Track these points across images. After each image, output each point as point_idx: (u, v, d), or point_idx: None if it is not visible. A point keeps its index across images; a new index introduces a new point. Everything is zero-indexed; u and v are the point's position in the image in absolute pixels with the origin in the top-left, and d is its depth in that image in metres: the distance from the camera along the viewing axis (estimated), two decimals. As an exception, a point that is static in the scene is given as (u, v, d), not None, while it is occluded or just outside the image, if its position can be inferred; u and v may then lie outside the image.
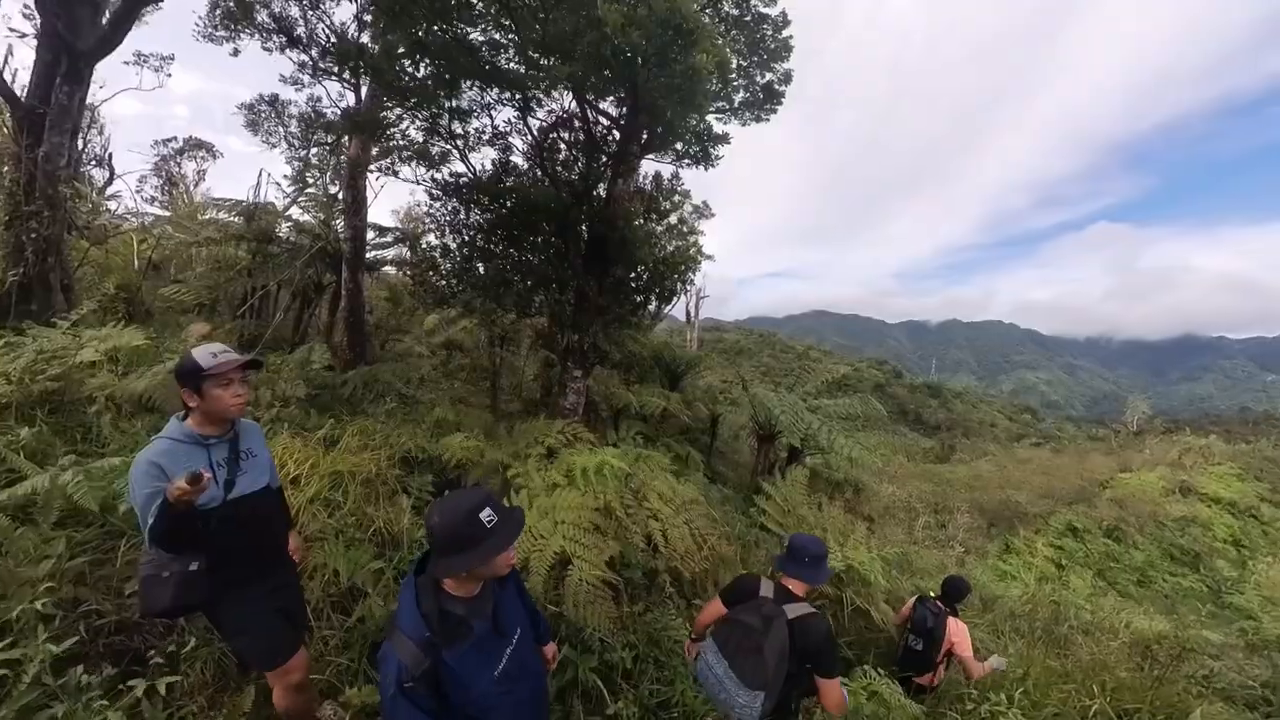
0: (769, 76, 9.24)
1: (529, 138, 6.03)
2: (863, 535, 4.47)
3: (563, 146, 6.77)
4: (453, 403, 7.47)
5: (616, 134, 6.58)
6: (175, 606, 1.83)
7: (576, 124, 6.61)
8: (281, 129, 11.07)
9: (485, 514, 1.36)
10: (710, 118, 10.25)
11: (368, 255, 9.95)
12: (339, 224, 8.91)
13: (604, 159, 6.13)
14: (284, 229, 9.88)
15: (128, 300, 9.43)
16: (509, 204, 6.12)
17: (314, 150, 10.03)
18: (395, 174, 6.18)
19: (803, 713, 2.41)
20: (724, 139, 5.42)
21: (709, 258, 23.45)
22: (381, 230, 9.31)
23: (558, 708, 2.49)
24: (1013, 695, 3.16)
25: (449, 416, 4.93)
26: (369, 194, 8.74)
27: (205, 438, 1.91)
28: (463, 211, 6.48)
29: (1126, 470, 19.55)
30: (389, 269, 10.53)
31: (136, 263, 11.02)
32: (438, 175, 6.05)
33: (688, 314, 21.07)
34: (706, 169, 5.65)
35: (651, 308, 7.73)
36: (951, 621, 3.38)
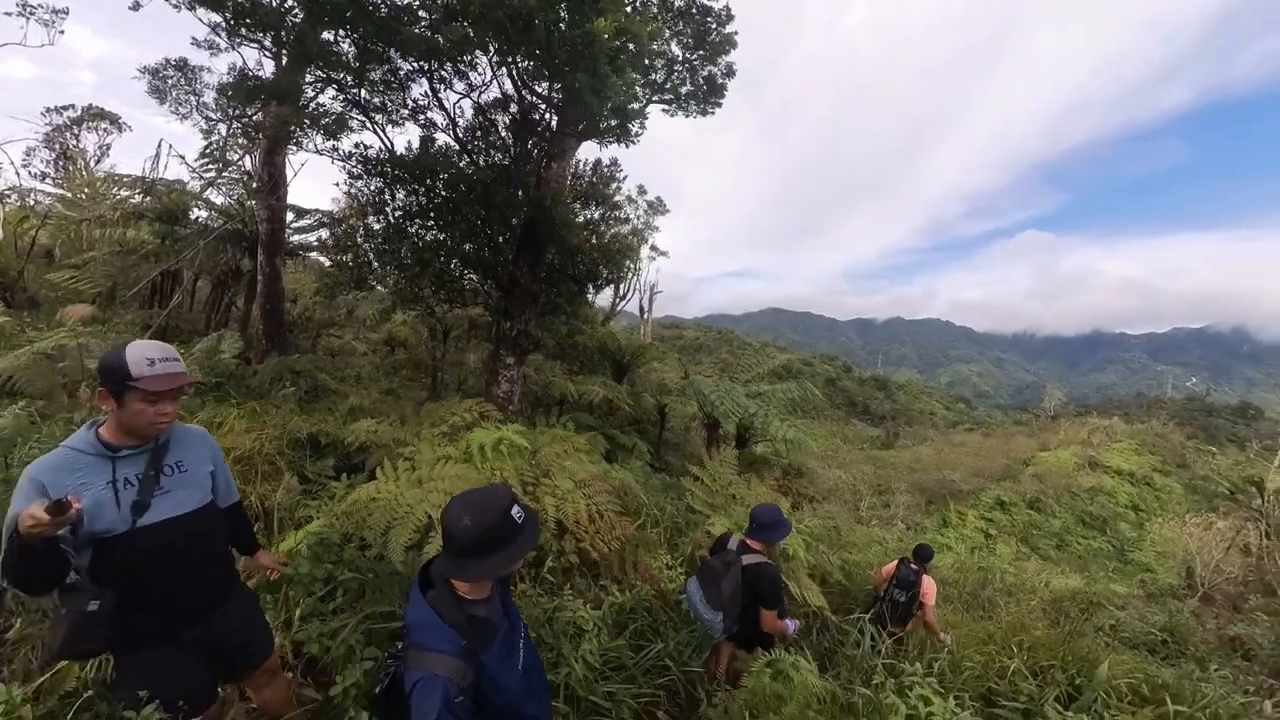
0: (711, 69, 9.40)
1: (450, 114, 5.71)
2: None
3: (500, 128, 6.50)
4: (382, 394, 7.02)
5: (553, 117, 6.38)
6: (66, 652, 1.48)
7: (513, 106, 6.37)
8: (194, 98, 9.98)
9: (515, 511, 1.32)
10: (657, 107, 10.26)
11: (290, 240, 9.23)
12: (254, 204, 8.16)
13: (537, 140, 5.92)
14: (195, 209, 8.97)
15: (3, 285, 8.29)
16: (437, 185, 5.80)
17: (236, 124, 9.14)
18: (299, 145, 5.69)
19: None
20: (640, 114, 5.33)
21: (663, 254, 23.53)
22: (301, 212, 8.60)
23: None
24: (934, 661, 3.06)
25: (363, 404, 4.58)
26: (289, 172, 8.09)
27: (115, 449, 1.54)
28: (387, 192, 6.11)
29: (1045, 449, 21.29)
30: (319, 257, 9.77)
31: (17, 245, 9.71)
32: (339, 146, 5.60)
33: (641, 309, 21.03)
34: (626, 146, 5.57)
35: (590, 295, 7.56)
36: (925, 578, 4.24)
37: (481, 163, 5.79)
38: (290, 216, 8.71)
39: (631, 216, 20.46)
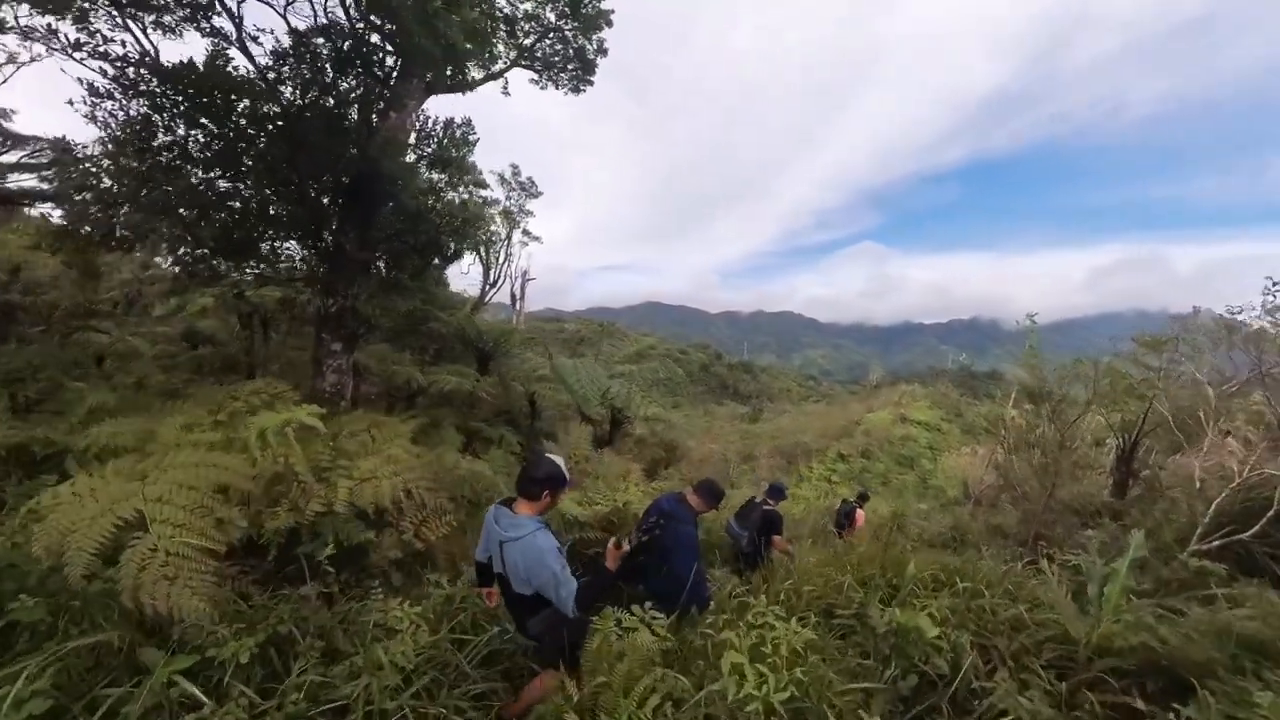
0: (584, 43, 9.16)
1: (236, 15, 4.52)
2: (638, 477, 4.64)
3: (323, 60, 5.29)
4: (162, 398, 5.44)
5: (394, 60, 5.49)
6: None
7: (345, 34, 5.30)
8: None
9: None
10: (525, 75, 9.59)
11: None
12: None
13: (370, 81, 5.02)
14: None
15: None
16: (232, 117, 4.53)
17: None
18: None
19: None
20: (477, 54, 4.87)
21: (536, 239, 22.68)
22: (12, 138, 6.25)
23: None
24: (780, 589, 3.47)
25: (110, 401, 3.46)
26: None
27: None
28: (157, 118, 4.57)
29: (871, 411, 25.67)
30: (50, 209, 7.08)
31: None
32: (62, 32, 4.05)
33: (513, 297, 20.01)
34: (463, 93, 5.09)
35: (439, 270, 6.76)
36: (859, 512, 6.95)
37: (294, 97, 4.68)
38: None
39: (502, 199, 19.30)
